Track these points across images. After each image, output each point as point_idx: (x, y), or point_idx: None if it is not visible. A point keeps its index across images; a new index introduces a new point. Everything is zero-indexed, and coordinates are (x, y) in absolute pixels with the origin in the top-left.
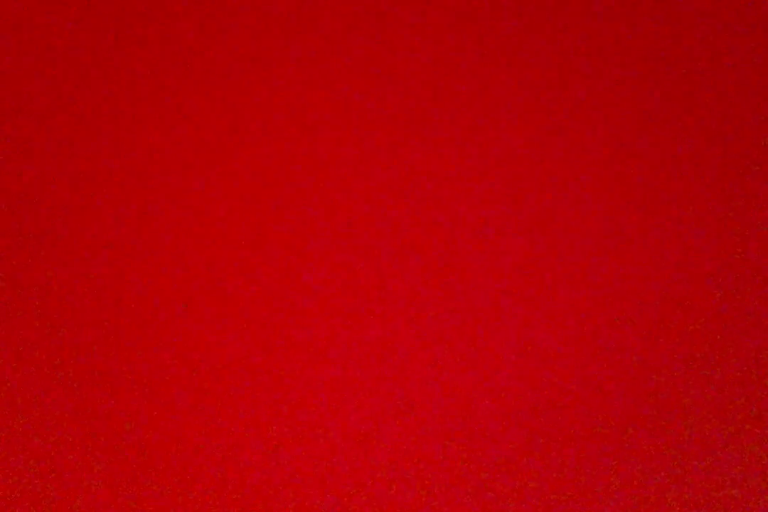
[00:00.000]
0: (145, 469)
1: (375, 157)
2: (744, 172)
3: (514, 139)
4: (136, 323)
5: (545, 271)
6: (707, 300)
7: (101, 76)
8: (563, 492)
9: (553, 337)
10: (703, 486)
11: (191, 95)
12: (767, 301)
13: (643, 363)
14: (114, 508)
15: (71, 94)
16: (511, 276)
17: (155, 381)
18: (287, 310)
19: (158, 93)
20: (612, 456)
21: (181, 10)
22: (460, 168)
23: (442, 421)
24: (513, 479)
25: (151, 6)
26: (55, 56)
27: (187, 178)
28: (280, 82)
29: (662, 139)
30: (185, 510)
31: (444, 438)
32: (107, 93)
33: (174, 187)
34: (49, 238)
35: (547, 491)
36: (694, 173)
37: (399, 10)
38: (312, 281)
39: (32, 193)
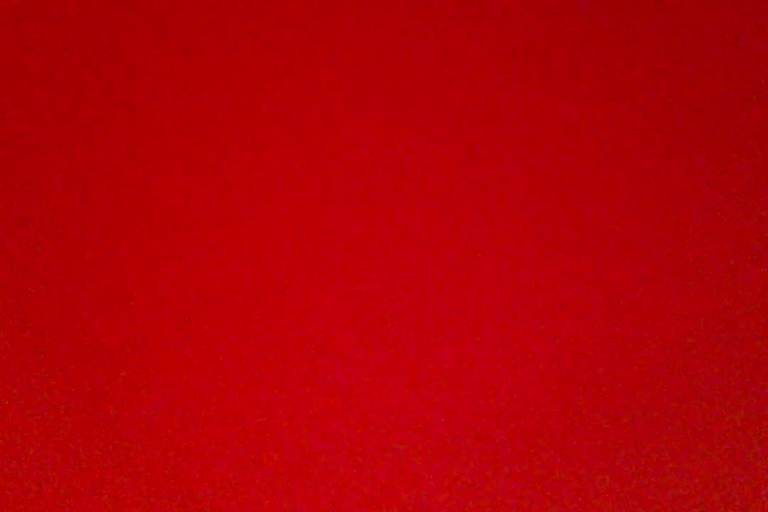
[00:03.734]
0: (147, 471)
1: (375, 157)
2: (744, 173)
3: (514, 139)
4: (136, 323)
5: (545, 273)
6: (707, 300)
7: (101, 78)
8: (565, 495)
9: (553, 338)
10: (702, 489)
11: (192, 98)
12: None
13: (644, 365)
14: (115, 508)
15: (71, 97)
16: (510, 278)
17: (156, 382)
18: (288, 311)
19: (158, 94)
20: (612, 458)
21: (181, 10)
22: (459, 167)
23: (442, 423)
24: (512, 480)
25: (151, 7)
26: (54, 57)
27: (187, 178)
28: (280, 82)
29: (661, 139)
30: (187, 510)
31: (444, 440)
32: (108, 94)
33: (175, 187)
34: (49, 238)
35: (549, 495)
36: (693, 174)
37: (397, 11)
38: (313, 281)
39: (34, 194)
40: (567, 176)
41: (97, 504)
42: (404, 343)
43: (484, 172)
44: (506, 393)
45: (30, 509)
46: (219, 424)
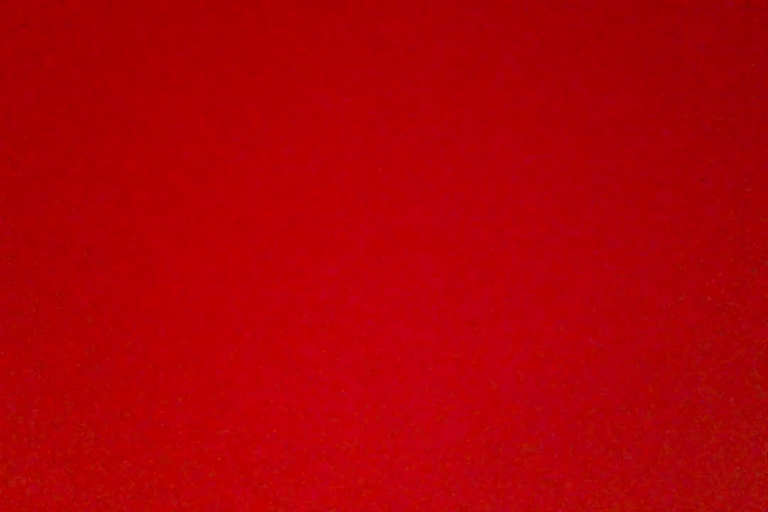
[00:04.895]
0: (146, 472)
1: (375, 160)
2: (744, 172)
3: (513, 140)
4: (137, 324)
5: (549, 275)
6: (708, 300)
7: (102, 78)
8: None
9: (553, 341)
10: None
11: (192, 101)
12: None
13: (645, 367)
14: (115, 508)
15: (72, 98)
16: (510, 281)
17: (157, 385)
18: (289, 314)
19: (158, 94)
20: (615, 460)
21: (180, 9)
22: (459, 167)
23: (442, 426)
24: (512, 482)
25: (151, 6)
26: (55, 56)
27: (186, 181)
28: (280, 83)
29: (660, 140)
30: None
31: (444, 444)
32: (107, 96)
33: (174, 190)
34: (49, 240)
35: (552, 498)
36: (693, 173)
37: (397, 13)
38: (313, 285)
39: (34, 195)
40: (567, 177)
41: (97, 504)
42: (406, 345)
43: (485, 172)
44: (509, 396)
45: (30, 509)
46: (220, 427)
